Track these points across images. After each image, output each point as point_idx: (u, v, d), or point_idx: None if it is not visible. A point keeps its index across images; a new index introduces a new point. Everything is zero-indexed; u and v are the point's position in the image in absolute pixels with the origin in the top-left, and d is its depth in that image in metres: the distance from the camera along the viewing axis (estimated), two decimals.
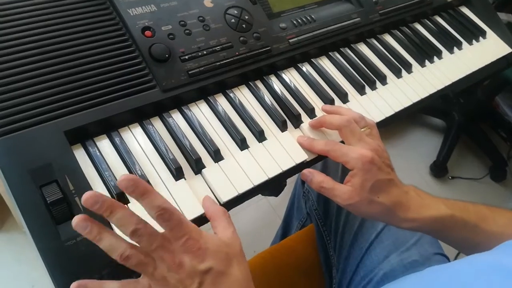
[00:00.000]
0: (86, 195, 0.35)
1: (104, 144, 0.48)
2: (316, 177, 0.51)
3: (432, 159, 1.70)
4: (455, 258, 1.04)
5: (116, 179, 0.45)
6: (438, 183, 1.68)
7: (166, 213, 0.37)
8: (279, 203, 1.38)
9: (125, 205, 0.42)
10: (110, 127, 0.49)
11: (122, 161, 0.47)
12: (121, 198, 0.44)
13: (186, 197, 0.46)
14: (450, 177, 1.70)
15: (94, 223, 0.36)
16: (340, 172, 0.74)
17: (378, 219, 0.51)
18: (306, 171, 0.53)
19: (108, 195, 0.44)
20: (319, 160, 0.56)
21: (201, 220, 0.46)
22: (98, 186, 0.44)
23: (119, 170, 0.46)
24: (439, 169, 1.68)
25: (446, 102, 1.79)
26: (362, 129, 0.52)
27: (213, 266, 0.38)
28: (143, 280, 0.38)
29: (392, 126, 1.82)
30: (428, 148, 1.77)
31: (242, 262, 0.41)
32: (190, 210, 0.45)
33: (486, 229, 0.50)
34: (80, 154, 0.46)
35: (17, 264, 1.15)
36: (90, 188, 0.43)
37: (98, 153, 0.46)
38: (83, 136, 0.47)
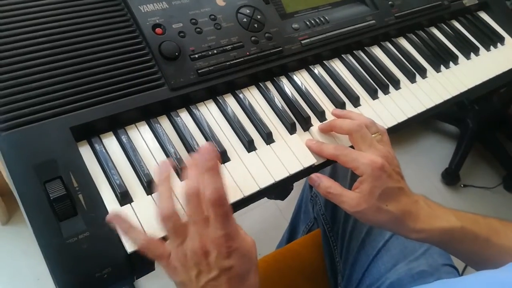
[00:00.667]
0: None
1: (110, 142, 0.47)
2: (324, 182, 0.50)
3: (444, 166, 1.67)
4: (464, 270, 1.02)
5: (121, 177, 0.44)
6: (450, 191, 1.65)
7: (218, 200, 0.38)
8: (287, 206, 1.37)
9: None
10: (117, 124, 0.48)
11: (128, 159, 0.47)
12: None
13: None
14: (462, 185, 1.66)
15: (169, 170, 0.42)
16: (349, 178, 0.73)
17: (385, 228, 0.50)
18: (313, 175, 0.52)
19: (112, 193, 0.44)
20: (328, 165, 0.55)
21: None
22: (102, 184, 0.44)
23: (124, 168, 0.46)
24: (451, 177, 1.65)
25: (461, 108, 1.75)
26: (373, 135, 0.51)
27: (235, 267, 0.38)
28: (167, 246, 0.40)
29: (405, 131, 1.79)
30: (440, 154, 1.74)
31: (257, 270, 0.41)
32: None
33: (498, 243, 0.49)
34: (85, 151, 0.45)
35: (24, 257, 1.16)
36: (94, 185, 0.43)
37: (103, 151, 0.46)
38: (89, 132, 0.46)
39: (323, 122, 0.56)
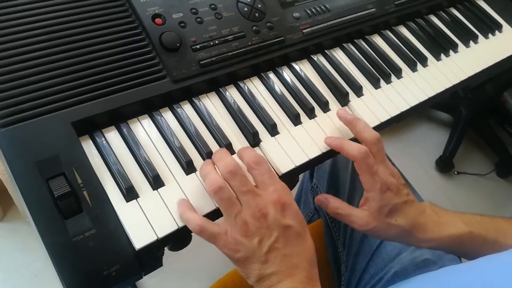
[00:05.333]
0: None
1: (112, 136, 0.46)
2: (332, 203, 0.51)
3: (438, 153, 1.68)
4: None
5: (126, 172, 0.43)
6: (444, 178, 1.66)
7: (259, 160, 0.42)
8: None
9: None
10: (119, 118, 0.47)
11: (131, 153, 0.46)
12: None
13: (198, 191, 0.45)
14: (455, 172, 1.68)
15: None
16: (350, 170, 0.72)
17: (396, 241, 0.51)
18: (321, 196, 0.52)
19: (117, 188, 0.42)
20: (333, 156, 0.54)
21: (214, 214, 0.44)
22: (107, 179, 0.43)
23: (128, 162, 0.45)
24: (445, 164, 1.66)
25: (454, 96, 1.76)
26: None
27: (293, 225, 0.40)
28: (222, 225, 0.40)
29: None
30: (434, 142, 1.75)
31: (309, 235, 0.42)
32: (204, 204, 0.44)
33: (506, 243, 0.50)
34: (88, 146, 0.44)
35: (20, 254, 1.14)
36: (98, 181, 0.42)
37: (106, 145, 0.44)
38: (91, 127, 0.45)
39: (332, 139, 0.52)
